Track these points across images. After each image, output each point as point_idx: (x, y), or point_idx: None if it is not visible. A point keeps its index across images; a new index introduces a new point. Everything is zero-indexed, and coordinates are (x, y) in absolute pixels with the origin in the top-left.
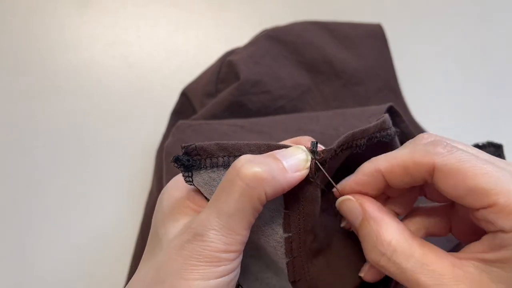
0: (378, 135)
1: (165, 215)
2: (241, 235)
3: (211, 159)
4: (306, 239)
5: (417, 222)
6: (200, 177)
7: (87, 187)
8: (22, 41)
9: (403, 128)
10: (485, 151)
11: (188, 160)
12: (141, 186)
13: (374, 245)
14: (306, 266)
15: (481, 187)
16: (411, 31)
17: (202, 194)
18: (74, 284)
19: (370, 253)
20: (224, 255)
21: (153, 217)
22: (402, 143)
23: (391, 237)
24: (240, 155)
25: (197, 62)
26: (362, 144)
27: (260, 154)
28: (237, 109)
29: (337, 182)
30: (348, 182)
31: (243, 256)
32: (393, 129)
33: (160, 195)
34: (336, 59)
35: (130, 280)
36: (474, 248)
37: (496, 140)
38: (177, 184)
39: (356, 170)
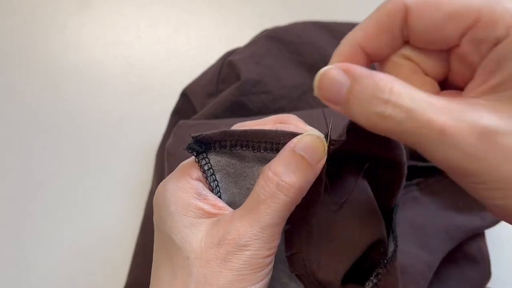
0: None
1: (178, 220)
2: (279, 239)
3: (219, 143)
4: (303, 208)
5: (411, 64)
6: (215, 158)
7: (87, 187)
8: (22, 41)
9: None
10: None
11: (200, 146)
12: (141, 186)
13: (373, 96)
14: (303, 240)
15: (459, 7)
16: None
17: (210, 189)
18: (74, 284)
19: (369, 106)
20: (267, 260)
21: (159, 220)
22: None
23: (391, 85)
24: (246, 141)
25: (198, 62)
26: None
27: (267, 142)
28: (238, 109)
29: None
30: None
31: None
32: None
33: (161, 196)
34: None
35: None
36: (475, 85)
37: None
38: (179, 184)
39: (333, 54)
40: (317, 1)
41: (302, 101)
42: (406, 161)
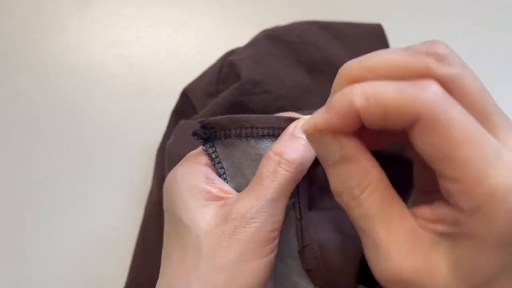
0: None
1: (188, 201)
2: (282, 214)
3: (224, 131)
4: (310, 202)
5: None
6: (221, 148)
7: (87, 187)
8: (22, 41)
9: None
10: None
11: (205, 133)
12: (141, 186)
13: (349, 187)
14: (312, 231)
15: (457, 157)
16: (411, 31)
17: (218, 175)
18: (74, 284)
19: (341, 194)
20: (272, 234)
21: (170, 204)
22: None
23: (368, 182)
24: (250, 127)
25: (198, 62)
26: None
27: (269, 126)
28: (238, 109)
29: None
30: (319, 119)
31: None
32: None
33: (173, 181)
34: (337, 59)
35: (167, 270)
36: (431, 214)
37: None
38: (189, 171)
39: (328, 102)
40: (317, 1)
41: (303, 101)
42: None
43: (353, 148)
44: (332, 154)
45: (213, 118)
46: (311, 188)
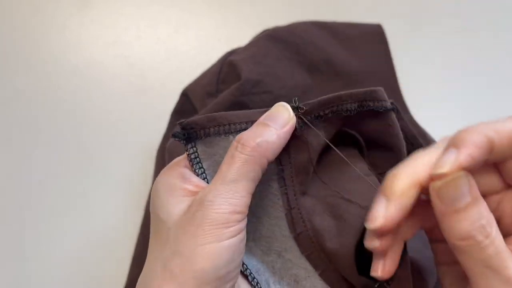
0: (371, 104)
1: (164, 199)
2: (245, 197)
3: (204, 130)
4: (300, 190)
5: None
6: (202, 147)
7: (87, 187)
8: (22, 41)
9: (402, 125)
10: None
11: (184, 134)
12: (141, 186)
13: (481, 226)
14: (307, 219)
15: None
16: (411, 31)
17: (196, 175)
18: (74, 284)
19: (471, 236)
20: (232, 217)
21: (151, 204)
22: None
23: (493, 219)
24: (228, 124)
25: (198, 62)
26: (352, 108)
27: (247, 120)
28: (238, 109)
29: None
30: (462, 157)
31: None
32: (389, 103)
33: (154, 184)
34: (337, 59)
35: (146, 263)
36: None
37: None
38: (170, 172)
39: (452, 141)
40: (317, 1)
41: (303, 100)
42: (405, 150)
43: (476, 187)
44: (464, 195)
45: (191, 118)
46: (300, 176)
